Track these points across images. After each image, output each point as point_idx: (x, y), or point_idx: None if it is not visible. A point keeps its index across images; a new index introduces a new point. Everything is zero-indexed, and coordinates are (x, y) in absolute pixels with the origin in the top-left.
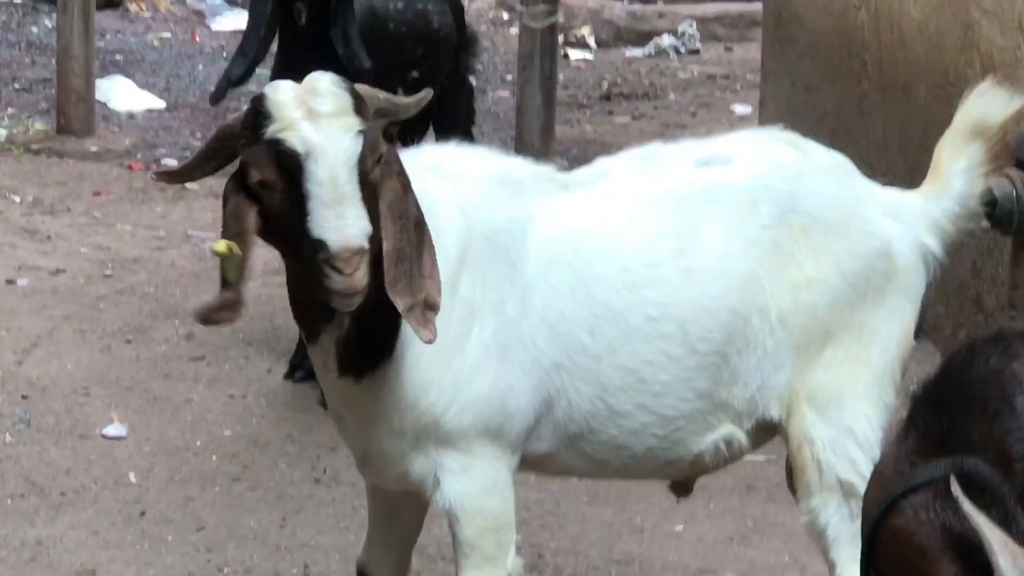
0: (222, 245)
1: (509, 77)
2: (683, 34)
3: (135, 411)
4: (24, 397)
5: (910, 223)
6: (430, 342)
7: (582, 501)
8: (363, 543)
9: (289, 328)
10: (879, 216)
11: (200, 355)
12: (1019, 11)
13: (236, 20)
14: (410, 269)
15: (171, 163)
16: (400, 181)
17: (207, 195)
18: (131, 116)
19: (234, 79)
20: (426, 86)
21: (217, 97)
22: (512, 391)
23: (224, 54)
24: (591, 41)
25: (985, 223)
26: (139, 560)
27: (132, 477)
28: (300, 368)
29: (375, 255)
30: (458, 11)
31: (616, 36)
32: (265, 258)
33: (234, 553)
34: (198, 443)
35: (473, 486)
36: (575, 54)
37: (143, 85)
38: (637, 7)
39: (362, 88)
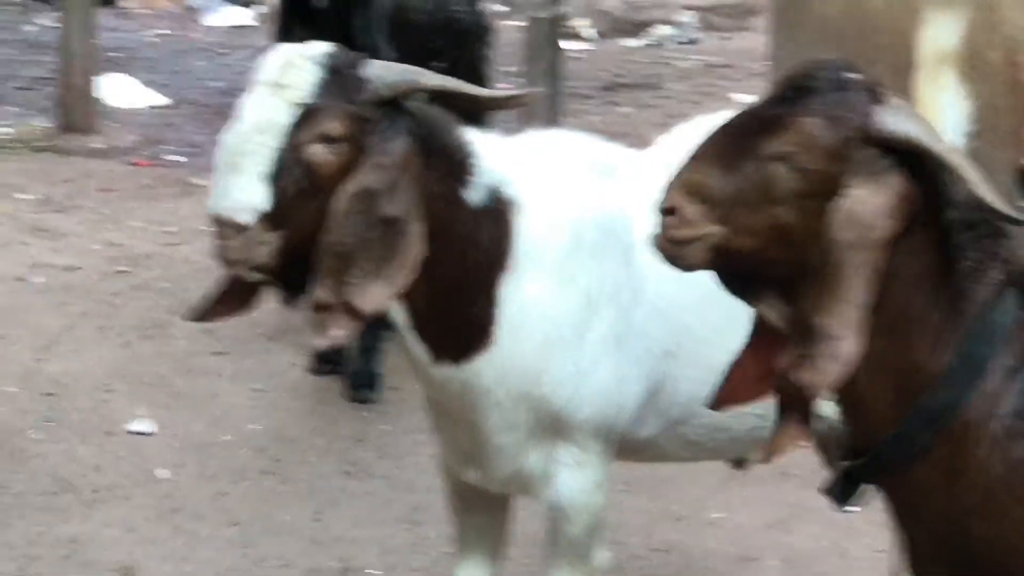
0: None
1: (505, 69)
2: (681, 24)
3: (160, 407)
4: (48, 394)
5: None
6: (318, 349)
7: (618, 489)
8: (457, 566)
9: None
10: None
11: (221, 350)
12: None
13: (229, 15)
14: (349, 268)
15: (177, 160)
16: (379, 175)
17: None
18: (133, 113)
19: None
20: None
21: None
22: (626, 382)
23: (221, 50)
24: (591, 32)
25: (1022, 202)
26: (175, 556)
27: (162, 473)
28: (324, 361)
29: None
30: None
31: (613, 27)
32: None
33: (270, 548)
34: (226, 438)
35: (587, 481)
36: (573, 45)
37: (143, 83)
38: None
39: (377, 66)
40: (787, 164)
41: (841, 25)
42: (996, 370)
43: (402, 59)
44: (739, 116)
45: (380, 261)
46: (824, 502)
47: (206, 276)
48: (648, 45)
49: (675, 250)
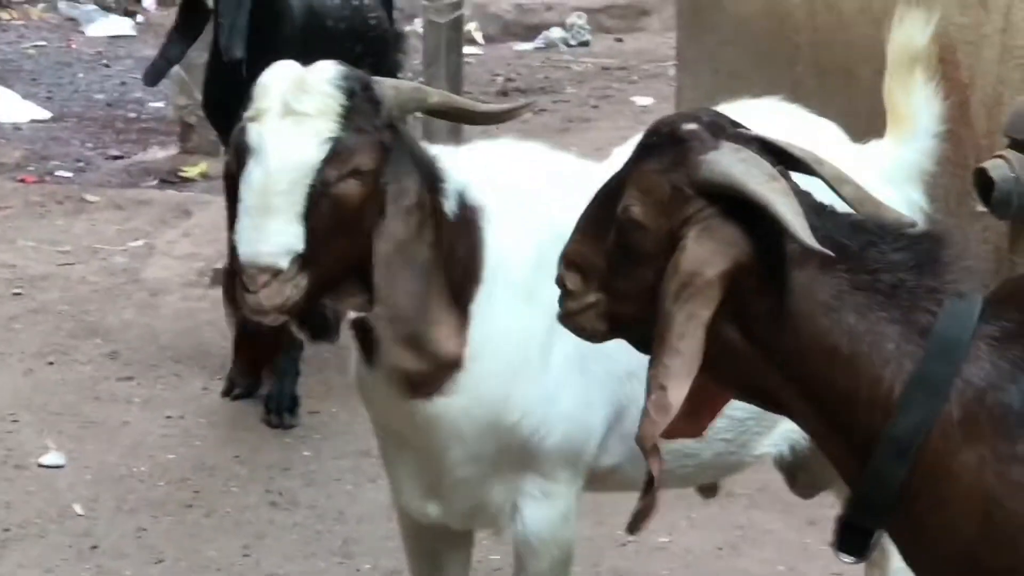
0: None
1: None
2: (572, 26)
3: (70, 437)
4: None
5: (898, 181)
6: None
7: None
8: None
9: (218, 343)
10: (881, 183)
11: (128, 375)
12: None
13: (110, 26)
14: (414, 330)
15: (66, 175)
16: (407, 221)
17: (108, 207)
18: (16, 128)
19: (171, 58)
20: None
21: (154, 78)
22: (591, 406)
23: (103, 60)
24: (478, 36)
25: (981, 207)
26: None
27: (78, 508)
28: (239, 385)
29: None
30: (389, 6)
31: (503, 30)
32: (179, 271)
33: None
34: (142, 469)
35: (554, 513)
36: (463, 49)
37: (25, 95)
38: (524, 0)
39: (388, 86)
40: (633, 224)
41: (759, 26)
42: (963, 390)
43: None
44: (606, 181)
45: (427, 305)
46: (774, 524)
47: (105, 297)
48: (539, 48)
49: (570, 322)
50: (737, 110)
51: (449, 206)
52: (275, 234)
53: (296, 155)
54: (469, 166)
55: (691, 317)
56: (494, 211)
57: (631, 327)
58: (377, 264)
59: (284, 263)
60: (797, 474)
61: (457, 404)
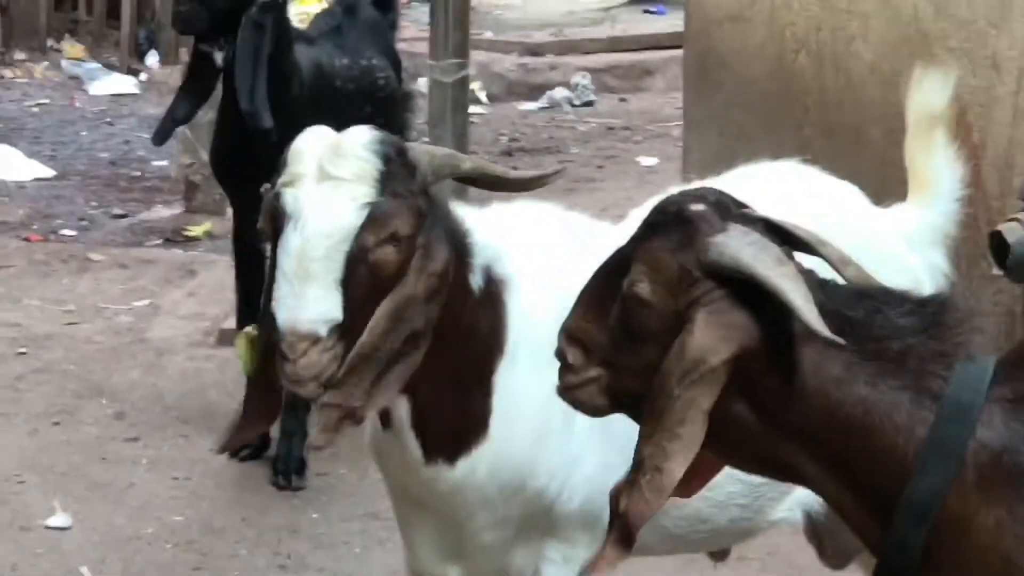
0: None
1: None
2: (576, 86)
3: (76, 499)
4: None
5: (921, 245)
6: (316, 448)
7: None
8: None
9: (224, 404)
10: (904, 248)
11: (134, 436)
12: (993, 48)
13: (113, 84)
14: (374, 376)
15: (70, 234)
16: (427, 284)
17: (112, 266)
18: (20, 186)
19: (179, 118)
20: None
21: (162, 137)
22: (611, 468)
23: (107, 119)
24: (483, 96)
25: (995, 270)
26: None
27: (85, 571)
28: (246, 446)
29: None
30: (398, 66)
31: (508, 90)
32: (185, 330)
33: None
34: (149, 531)
35: None
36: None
37: (28, 153)
38: (528, 60)
39: (421, 152)
40: (639, 302)
41: (766, 86)
42: (978, 452)
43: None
44: (610, 255)
45: (389, 365)
46: None
47: (110, 357)
48: (543, 108)
49: (569, 396)
50: (755, 172)
51: (475, 281)
52: (314, 302)
53: (334, 220)
54: (495, 233)
55: (692, 403)
56: (519, 280)
57: (632, 402)
58: (379, 309)
59: (323, 331)
60: (825, 542)
61: (482, 470)
